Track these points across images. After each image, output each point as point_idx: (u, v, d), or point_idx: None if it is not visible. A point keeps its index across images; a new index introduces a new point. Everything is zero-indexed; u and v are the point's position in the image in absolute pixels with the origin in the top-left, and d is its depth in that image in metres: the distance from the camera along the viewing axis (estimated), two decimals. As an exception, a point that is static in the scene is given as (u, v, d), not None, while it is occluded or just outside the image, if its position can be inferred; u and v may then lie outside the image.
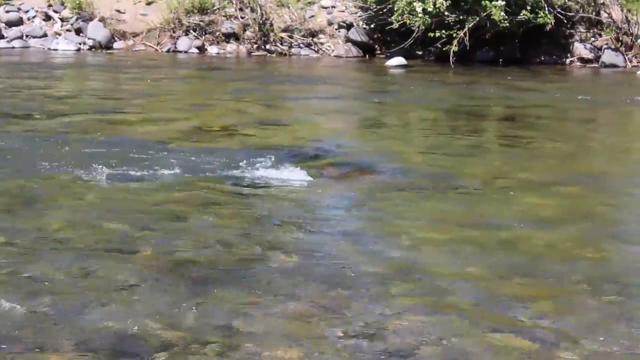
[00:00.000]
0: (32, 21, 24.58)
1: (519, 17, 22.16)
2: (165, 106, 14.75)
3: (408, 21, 22.18)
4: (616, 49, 24.36)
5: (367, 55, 24.42)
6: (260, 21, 24.12)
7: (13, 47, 23.38)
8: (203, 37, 24.43)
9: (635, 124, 15.80)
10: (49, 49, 23.58)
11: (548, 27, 22.86)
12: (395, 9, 22.29)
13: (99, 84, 18.35)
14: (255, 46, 24.28)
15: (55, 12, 24.83)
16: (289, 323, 5.13)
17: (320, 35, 25.05)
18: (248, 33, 24.42)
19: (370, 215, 7.93)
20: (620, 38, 24.48)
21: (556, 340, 4.98)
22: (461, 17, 22.25)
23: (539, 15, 22.33)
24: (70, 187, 8.33)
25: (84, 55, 22.92)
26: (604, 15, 24.35)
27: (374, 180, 9.25)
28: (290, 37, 24.63)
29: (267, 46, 24.36)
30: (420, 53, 23.77)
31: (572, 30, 24.60)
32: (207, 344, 4.79)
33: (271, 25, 24.30)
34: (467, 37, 22.23)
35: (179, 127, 12.33)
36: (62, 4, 24.76)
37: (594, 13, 24.28)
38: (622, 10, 24.07)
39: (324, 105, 15.82)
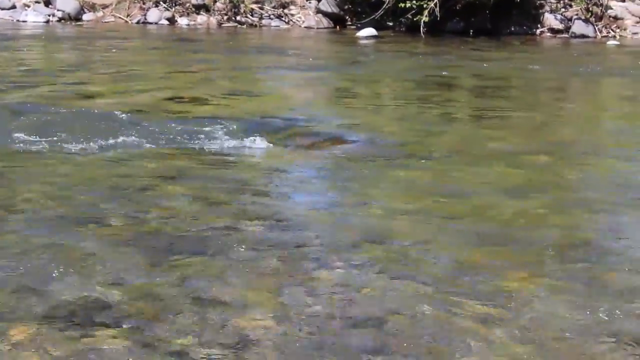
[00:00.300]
0: (1, -7, 24.39)
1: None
2: (135, 77, 14.66)
3: (379, -8, 22.16)
4: (586, 20, 24.46)
5: (337, 27, 24.41)
6: (231, -8, 24.02)
7: (-19, 20, 23.18)
8: (173, 9, 24.34)
9: (604, 94, 15.86)
10: (18, 20, 23.40)
11: (518, -2, 22.91)
12: (366, -21, 22.27)
13: (68, 55, 18.22)
14: (225, 18, 24.22)
15: (24, -17, 24.65)
16: (257, 292, 5.11)
17: (291, 7, 25.01)
18: (218, 4, 24.34)
19: (339, 184, 7.92)
20: (590, 9, 24.58)
21: (524, 306, 4.99)
22: (432, -12, 22.25)
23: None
24: (38, 158, 8.27)
25: (53, 27, 22.76)
26: (574, -15, 24.41)
27: (344, 150, 9.24)
28: (261, 8, 24.57)
29: (238, 18, 24.30)
30: (390, 24, 23.79)
31: (542, 1, 24.67)
32: (175, 314, 4.77)
33: (242, -4, 24.21)
34: (438, 8, 22.24)
35: (149, 98, 12.26)
36: (31, -25, 24.57)
37: (564, -16, 24.34)
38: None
39: (294, 76, 15.79)
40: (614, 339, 4.55)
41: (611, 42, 23.64)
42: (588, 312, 4.91)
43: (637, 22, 25.25)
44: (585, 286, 5.33)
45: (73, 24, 23.12)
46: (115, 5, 24.25)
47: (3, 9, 23.64)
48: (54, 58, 17.66)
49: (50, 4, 23.86)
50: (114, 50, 18.06)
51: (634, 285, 5.36)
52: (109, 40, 19.98)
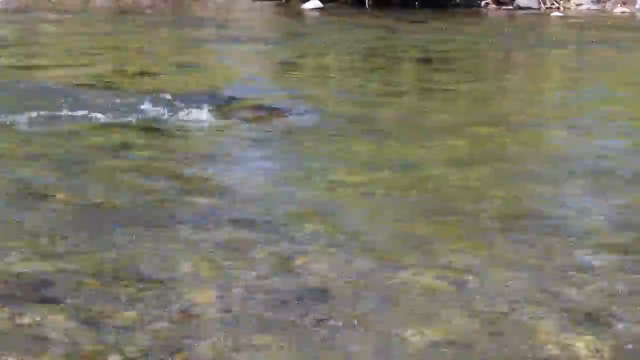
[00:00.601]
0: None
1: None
2: (79, 50, 14.52)
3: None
4: (530, -9, 24.53)
5: (283, -1, 24.30)
6: (175, -36, 23.83)
7: None
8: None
9: (547, 66, 15.96)
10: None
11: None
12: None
13: (10, 28, 17.97)
14: (169, -10, 23.99)
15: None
16: (202, 265, 5.10)
17: (236, -22, 24.84)
18: (163, -23, 24.12)
19: (284, 157, 7.92)
20: (535, -20, 24.65)
21: (468, 277, 5.02)
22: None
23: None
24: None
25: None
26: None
27: (289, 123, 9.23)
28: (206, -20, 24.37)
29: (182, -10, 24.09)
30: (336, -5, 23.72)
31: (487, -27, 24.71)
32: (121, 287, 4.75)
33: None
34: (383, -20, 22.21)
35: (93, 71, 12.17)
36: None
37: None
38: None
39: (239, 48, 15.72)
40: (558, 311, 4.59)
41: (555, 14, 23.76)
42: (532, 284, 4.95)
43: (581, -6, 25.40)
44: (529, 257, 5.37)
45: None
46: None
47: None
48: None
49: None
50: (59, 24, 17.85)
51: (577, 256, 5.42)
52: (51, 13, 19.74)
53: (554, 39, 18.94)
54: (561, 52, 16.93)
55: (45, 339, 4.14)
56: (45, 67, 12.45)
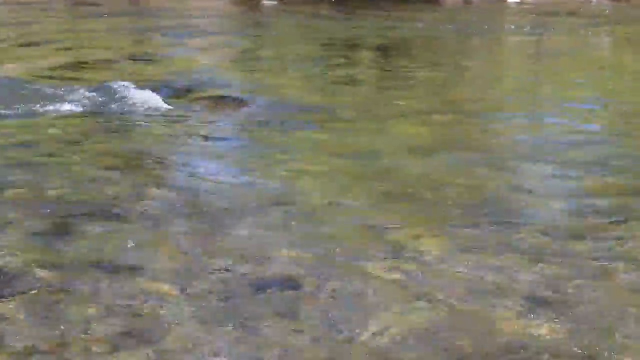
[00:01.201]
0: None
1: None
2: (35, 42, 14.41)
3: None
4: (488, -21, 24.62)
5: (241, -11, 24.24)
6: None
7: None
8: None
9: (506, 52, 16.04)
10: None
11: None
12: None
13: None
14: (126, -19, 23.86)
15: None
16: (164, 254, 5.08)
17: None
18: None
19: (244, 147, 7.89)
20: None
21: (430, 265, 5.02)
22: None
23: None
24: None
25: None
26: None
27: (248, 113, 9.20)
28: (163, -29, 24.25)
29: (139, -19, 23.96)
30: (294, -15, 23.70)
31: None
32: (78, 281, 4.70)
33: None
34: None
35: (49, 63, 12.09)
36: None
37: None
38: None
39: (197, 39, 15.67)
40: (519, 299, 4.60)
41: (512, 1, 23.88)
42: (493, 272, 4.96)
43: (538, -19, 25.53)
44: (491, 245, 5.38)
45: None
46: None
47: None
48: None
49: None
50: (17, 17, 17.70)
51: (538, 243, 5.43)
52: (11, 6, 19.59)
53: (511, 26, 19.04)
54: (519, 39, 17.02)
55: (4, 332, 4.10)
56: (0, 60, 12.34)
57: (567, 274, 4.92)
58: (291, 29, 17.39)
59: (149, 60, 12.80)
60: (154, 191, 6.37)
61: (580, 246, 5.38)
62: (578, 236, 5.56)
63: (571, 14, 20.89)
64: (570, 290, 4.71)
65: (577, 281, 4.83)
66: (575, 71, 12.97)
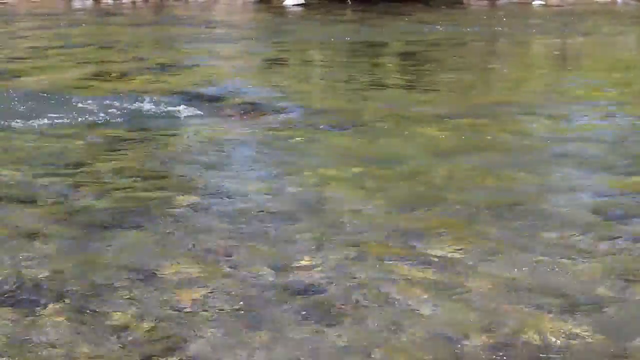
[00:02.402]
0: None
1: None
2: (62, 54, 14.49)
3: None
4: (512, -19, 24.58)
5: (264, -4, 24.31)
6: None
7: None
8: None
9: (531, 55, 15.99)
10: None
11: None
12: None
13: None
14: (150, -9, 23.99)
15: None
16: (193, 264, 5.10)
17: (217, -22, 24.82)
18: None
19: (273, 153, 7.90)
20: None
21: (460, 269, 5.02)
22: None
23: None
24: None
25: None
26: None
27: (276, 119, 9.22)
28: (186, -20, 24.35)
29: (163, -9, 24.09)
30: (318, -9, 23.75)
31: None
32: (112, 290, 4.74)
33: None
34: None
35: (77, 74, 12.15)
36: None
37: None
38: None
39: (223, 47, 15.71)
40: (548, 299, 4.60)
41: (537, 3, 23.83)
42: (522, 274, 4.95)
43: (562, -18, 25.47)
44: (518, 247, 5.38)
45: (-4, 2, 22.76)
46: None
47: None
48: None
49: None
50: (42, 29, 17.81)
51: (566, 244, 5.43)
52: (34, 18, 19.70)
53: (536, 27, 18.97)
54: (544, 41, 16.96)
55: (40, 341, 4.13)
56: (27, 72, 12.42)
57: (596, 274, 4.92)
58: (315, 35, 17.40)
59: (174, 69, 12.84)
60: (182, 198, 6.40)
61: (608, 246, 5.37)
62: (606, 236, 5.55)
63: (596, 14, 20.82)
64: (601, 290, 4.70)
65: (608, 281, 4.82)
66: (600, 72, 12.93)
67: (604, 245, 5.38)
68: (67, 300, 4.60)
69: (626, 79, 12.35)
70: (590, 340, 4.13)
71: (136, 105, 9.49)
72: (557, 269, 4.99)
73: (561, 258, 5.16)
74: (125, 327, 4.28)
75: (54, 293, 4.70)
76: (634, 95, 10.83)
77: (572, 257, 5.18)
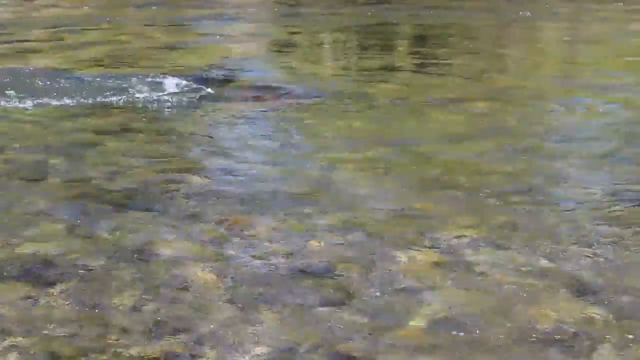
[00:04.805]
0: None
1: None
2: (73, 34, 14.47)
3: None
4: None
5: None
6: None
7: None
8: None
9: (543, 40, 15.94)
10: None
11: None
12: None
13: (4, 10, 17.93)
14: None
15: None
16: (204, 245, 5.10)
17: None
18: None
19: (284, 135, 7.89)
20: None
21: (471, 252, 5.02)
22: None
23: None
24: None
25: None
26: None
27: (287, 102, 9.21)
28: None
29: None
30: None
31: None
32: (122, 269, 4.74)
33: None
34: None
35: (87, 54, 12.15)
36: None
37: None
38: None
39: (234, 29, 15.69)
40: (558, 284, 4.59)
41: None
42: (532, 258, 4.95)
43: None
44: (529, 232, 5.37)
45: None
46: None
47: None
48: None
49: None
50: (53, 8, 17.81)
51: (576, 229, 5.42)
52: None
53: (550, 13, 18.89)
54: (557, 26, 16.91)
55: (48, 320, 4.14)
56: (39, 51, 12.45)
57: (607, 260, 4.91)
58: (327, 17, 17.37)
59: (186, 50, 12.84)
60: (192, 179, 6.40)
61: (618, 232, 5.36)
62: (616, 222, 5.54)
63: (611, 1, 20.71)
64: (611, 275, 4.70)
65: (619, 265, 4.82)
66: (614, 58, 12.88)
67: (616, 232, 5.37)
68: (75, 279, 4.60)
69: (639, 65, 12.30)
70: (603, 324, 4.13)
71: (148, 85, 9.49)
72: (568, 255, 4.98)
73: (572, 244, 5.15)
74: (133, 307, 4.28)
75: (62, 272, 4.70)
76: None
77: (580, 242, 5.18)
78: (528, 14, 18.03)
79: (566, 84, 10.64)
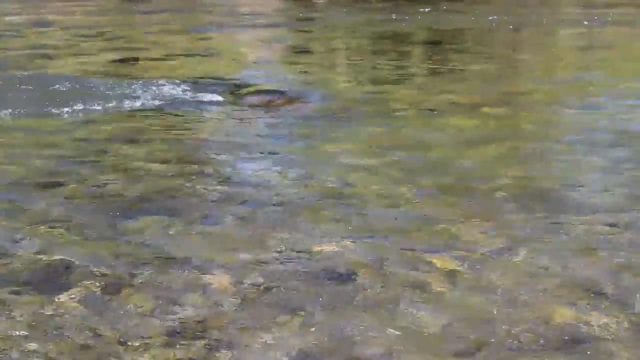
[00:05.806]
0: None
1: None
2: (89, 40, 14.53)
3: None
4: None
5: (290, -16, 24.28)
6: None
7: None
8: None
9: (558, 44, 15.92)
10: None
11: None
12: None
13: (19, 18, 18.00)
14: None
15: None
16: (218, 250, 5.10)
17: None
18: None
19: (298, 141, 7.90)
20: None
21: (488, 257, 5.01)
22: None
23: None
24: (-7, 123, 8.22)
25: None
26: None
27: (302, 107, 9.22)
28: (212, -33, 24.34)
29: (188, -23, 24.08)
30: (344, -20, 23.70)
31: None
32: (136, 274, 4.75)
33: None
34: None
35: (103, 60, 12.18)
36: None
37: None
38: None
39: (249, 35, 15.72)
40: (574, 289, 4.58)
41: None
42: (548, 263, 4.93)
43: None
44: (545, 236, 5.36)
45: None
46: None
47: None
48: (2, 22, 17.44)
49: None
50: (68, 14, 17.86)
51: (592, 234, 5.40)
52: (60, 3, 19.76)
53: (564, 17, 18.88)
54: (571, 31, 16.89)
55: (64, 326, 4.14)
56: (54, 56, 12.47)
57: (622, 265, 4.89)
58: (340, 23, 17.39)
59: (200, 56, 12.87)
60: (208, 185, 6.40)
61: (634, 237, 5.34)
62: (631, 227, 5.51)
63: (624, 5, 20.68)
64: (626, 282, 4.68)
65: (636, 272, 4.80)
66: (628, 63, 12.85)
67: (631, 236, 5.35)
68: (93, 284, 4.61)
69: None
70: (611, 329, 4.11)
71: (162, 91, 9.52)
72: (579, 260, 4.96)
73: (584, 249, 5.13)
74: (151, 311, 4.28)
75: (80, 276, 4.71)
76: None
77: (596, 247, 5.16)
78: (539, 18, 18.02)
79: (580, 88, 10.61)
